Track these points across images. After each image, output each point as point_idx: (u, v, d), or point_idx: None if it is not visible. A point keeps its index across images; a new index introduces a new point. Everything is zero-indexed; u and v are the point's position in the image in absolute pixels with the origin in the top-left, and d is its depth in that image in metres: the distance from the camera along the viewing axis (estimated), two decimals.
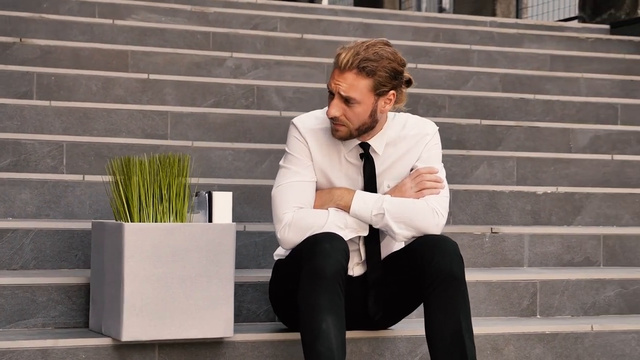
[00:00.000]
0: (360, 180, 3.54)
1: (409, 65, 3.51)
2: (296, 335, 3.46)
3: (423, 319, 3.42)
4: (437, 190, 3.50)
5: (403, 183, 3.53)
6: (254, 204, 4.60)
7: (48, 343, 3.38)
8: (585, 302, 4.37)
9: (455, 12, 12.00)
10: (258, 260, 4.25)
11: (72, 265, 4.02)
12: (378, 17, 8.26)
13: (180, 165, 3.44)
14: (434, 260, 3.36)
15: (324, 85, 5.97)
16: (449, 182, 3.59)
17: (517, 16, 11.60)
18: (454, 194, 4.94)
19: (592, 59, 7.60)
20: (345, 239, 3.39)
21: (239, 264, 4.13)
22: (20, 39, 5.87)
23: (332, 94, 3.43)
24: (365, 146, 3.52)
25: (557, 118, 6.42)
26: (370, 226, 3.50)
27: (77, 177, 4.44)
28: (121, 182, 3.41)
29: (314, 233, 3.38)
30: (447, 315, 3.34)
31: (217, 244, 3.43)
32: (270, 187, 3.61)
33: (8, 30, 6.18)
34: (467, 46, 7.40)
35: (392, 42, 3.50)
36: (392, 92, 3.44)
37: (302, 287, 3.29)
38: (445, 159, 3.68)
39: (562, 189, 5.22)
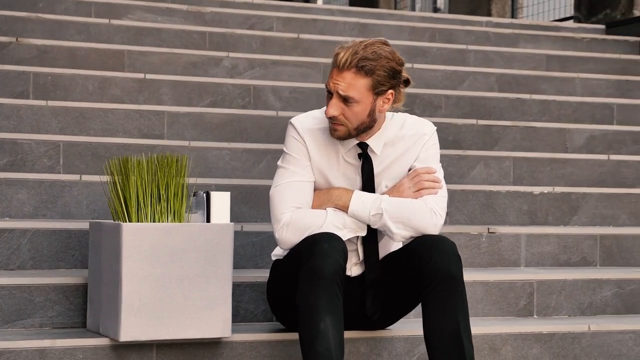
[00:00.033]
0: (358, 180, 3.54)
1: (405, 65, 3.51)
2: (294, 335, 3.46)
3: (421, 319, 3.42)
4: (435, 190, 3.50)
5: (401, 183, 3.53)
6: (251, 204, 4.59)
7: (46, 343, 3.38)
8: (582, 302, 4.38)
9: (450, 12, 12.02)
10: (255, 260, 4.24)
11: (69, 266, 4.01)
12: (374, 17, 8.26)
13: (178, 165, 3.43)
14: (432, 261, 3.36)
15: (321, 85, 5.97)
16: (445, 182, 3.59)
17: (513, 16, 11.62)
18: (450, 194, 4.91)
19: (588, 59, 7.60)
20: (344, 239, 3.39)
21: (237, 264, 4.13)
22: (17, 39, 5.86)
23: (330, 94, 3.42)
24: (363, 146, 3.51)
25: (553, 118, 6.42)
26: (369, 226, 3.50)
27: (74, 177, 4.43)
28: (119, 182, 3.40)
29: (312, 233, 3.38)
30: (445, 315, 3.34)
31: (215, 244, 3.43)
32: (267, 187, 3.61)
33: (4, 30, 6.17)
34: (463, 46, 7.39)
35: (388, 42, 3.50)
36: (390, 91, 3.43)
37: (300, 288, 3.29)
38: (442, 159, 3.67)
39: (558, 189, 5.22)
